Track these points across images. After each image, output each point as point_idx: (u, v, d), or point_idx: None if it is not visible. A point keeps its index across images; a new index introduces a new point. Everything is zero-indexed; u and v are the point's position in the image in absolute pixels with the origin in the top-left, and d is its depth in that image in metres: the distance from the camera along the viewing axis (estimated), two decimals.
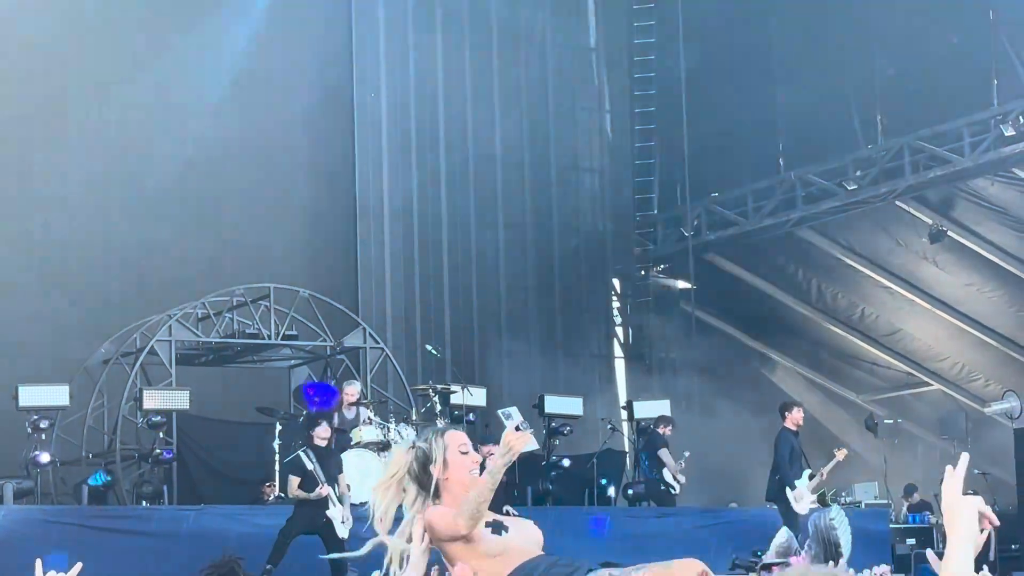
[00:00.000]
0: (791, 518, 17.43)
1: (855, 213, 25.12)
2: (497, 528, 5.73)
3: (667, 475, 20.39)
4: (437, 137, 26.31)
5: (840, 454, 18.26)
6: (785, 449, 17.85)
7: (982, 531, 3.43)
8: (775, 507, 18.18)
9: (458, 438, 5.97)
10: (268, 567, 15.53)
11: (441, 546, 5.73)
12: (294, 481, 16.07)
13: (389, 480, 5.90)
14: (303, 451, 16.09)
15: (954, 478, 3.52)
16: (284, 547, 15.64)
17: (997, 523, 3.44)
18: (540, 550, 5.72)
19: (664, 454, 20.48)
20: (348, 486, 16.41)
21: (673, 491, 20.47)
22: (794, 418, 18.07)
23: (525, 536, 5.80)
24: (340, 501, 16.03)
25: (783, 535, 16.04)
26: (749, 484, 24.11)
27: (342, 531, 15.81)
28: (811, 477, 17.83)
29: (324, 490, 15.84)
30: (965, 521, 3.44)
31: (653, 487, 20.59)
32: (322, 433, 16.36)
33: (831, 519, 5.48)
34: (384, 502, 5.86)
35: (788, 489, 17.74)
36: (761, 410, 25.17)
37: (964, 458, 3.54)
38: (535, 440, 6.04)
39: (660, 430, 20.84)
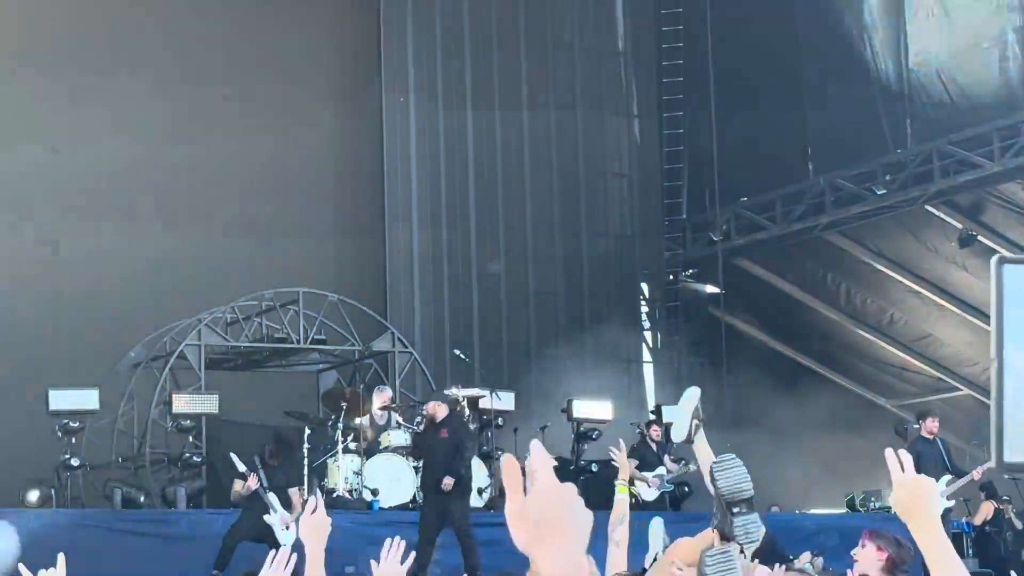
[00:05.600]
0: None
1: (884, 217, 25.05)
2: None
3: (640, 487, 19.76)
4: (466, 142, 26.34)
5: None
6: None
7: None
8: None
9: None
10: (215, 572, 15.59)
11: None
12: (237, 484, 16.12)
13: None
14: (232, 454, 16.19)
15: (905, 462, 3.52)
16: (229, 552, 15.67)
17: None
18: None
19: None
20: (303, 500, 16.46)
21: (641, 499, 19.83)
22: (928, 426, 18.54)
23: None
24: (287, 509, 15.98)
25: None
26: (785, 488, 24.07)
27: (284, 538, 15.71)
28: (949, 483, 18.09)
29: (252, 482, 15.85)
30: (932, 503, 3.45)
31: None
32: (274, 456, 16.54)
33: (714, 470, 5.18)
34: None
35: None
36: (790, 413, 25.13)
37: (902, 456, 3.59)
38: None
39: (646, 431, 20.34)
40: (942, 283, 25.55)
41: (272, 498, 15.86)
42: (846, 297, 26.99)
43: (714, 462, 6.20)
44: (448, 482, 15.97)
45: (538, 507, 2.51)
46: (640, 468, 19.76)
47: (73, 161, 23.53)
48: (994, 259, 3.02)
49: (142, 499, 18.24)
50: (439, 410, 16.48)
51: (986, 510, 21.86)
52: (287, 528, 15.77)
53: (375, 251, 25.53)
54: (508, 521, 2.53)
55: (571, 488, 2.56)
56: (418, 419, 16.43)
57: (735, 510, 6.14)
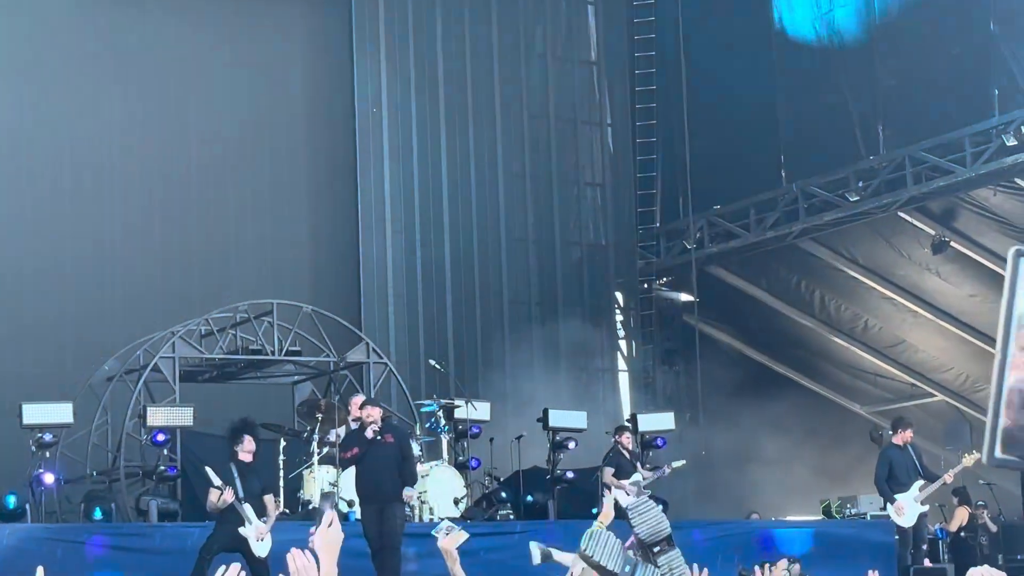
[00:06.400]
0: (901, 532, 18.51)
1: (857, 224, 25.11)
2: None
3: (619, 495, 19.35)
4: (439, 152, 26.35)
5: (968, 459, 18.29)
6: (882, 467, 18.68)
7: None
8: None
9: None
10: None
11: None
12: (212, 495, 15.76)
13: None
14: (207, 467, 15.80)
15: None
16: (205, 565, 15.28)
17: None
18: None
19: (606, 474, 19.39)
20: (278, 505, 16.28)
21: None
22: (903, 436, 18.81)
23: None
24: (260, 519, 15.66)
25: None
26: (761, 494, 24.11)
27: (259, 549, 15.48)
28: (922, 488, 18.43)
29: (228, 495, 15.50)
30: None
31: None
32: (247, 447, 16.02)
33: None
34: None
35: (888, 504, 18.58)
36: (765, 420, 25.17)
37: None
38: (465, 532, 6.72)
39: (617, 438, 19.92)
40: (916, 289, 25.60)
41: (247, 510, 15.69)
42: (820, 304, 27.03)
43: (628, 508, 6.47)
44: (410, 494, 15.87)
45: None
46: (616, 476, 19.68)
47: (44, 175, 23.45)
48: (1012, 250, 2.90)
49: (98, 515, 18.07)
50: (378, 414, 16.22)
51: (961, 516, 21.92)
52: (261, 539, 15.63)
53: (349, 262, 25.51)
54: None
55: None
56: (374, 426, 16.06)
57: (656, 550, 6.35)
